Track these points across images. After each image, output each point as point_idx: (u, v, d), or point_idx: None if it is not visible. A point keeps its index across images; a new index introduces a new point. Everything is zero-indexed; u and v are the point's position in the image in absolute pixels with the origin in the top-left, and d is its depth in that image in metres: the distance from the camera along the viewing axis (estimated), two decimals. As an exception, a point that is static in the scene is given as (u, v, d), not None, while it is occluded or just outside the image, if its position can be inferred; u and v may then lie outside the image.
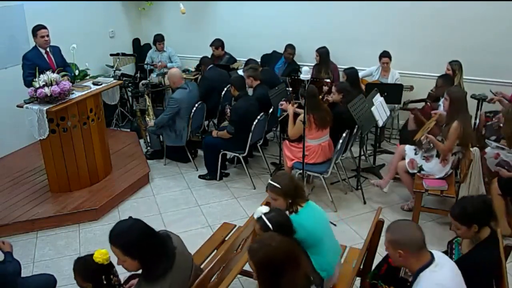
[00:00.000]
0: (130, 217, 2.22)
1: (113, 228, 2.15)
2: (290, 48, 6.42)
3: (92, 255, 2.23)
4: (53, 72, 4.47)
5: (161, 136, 5.65)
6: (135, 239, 2.06)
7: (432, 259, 2.18)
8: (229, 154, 5.29)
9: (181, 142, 5.44)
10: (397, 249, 2.17)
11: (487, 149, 4.21)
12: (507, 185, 4.00)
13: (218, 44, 6.69)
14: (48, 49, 5.01)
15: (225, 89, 5.83)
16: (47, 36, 4.89)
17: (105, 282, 2.20)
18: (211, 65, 6.14)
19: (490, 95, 5.02)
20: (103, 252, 2.20)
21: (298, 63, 6.43)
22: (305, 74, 4.10)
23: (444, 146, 4.13)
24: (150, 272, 2.08)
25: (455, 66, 4.99)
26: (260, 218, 2.45)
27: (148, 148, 6.05)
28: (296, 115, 4.60)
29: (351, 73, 5.33)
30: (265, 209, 2.50)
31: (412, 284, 2.19)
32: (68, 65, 5.27)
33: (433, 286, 2.10)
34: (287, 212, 2.70)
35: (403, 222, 2.31)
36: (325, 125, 4.52)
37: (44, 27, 4.87)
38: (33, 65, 4.65)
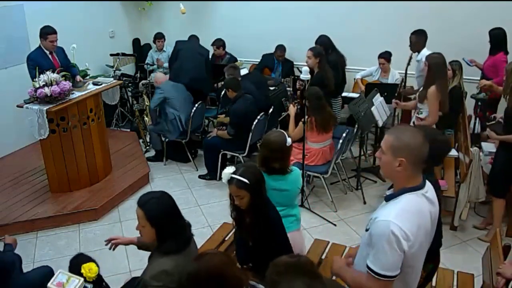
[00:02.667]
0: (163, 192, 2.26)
1: (145, 194, 2.23)
2: (280, 49, 6.45)
3: (88, 259, 2.21)
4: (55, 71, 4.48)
5: (161, 136, 5.65)
6: (161, 208, 2.13)
7: (423, 184, 1.92)
8: (229, 154, 5.29)
9: (181, 129, 5.45)
10: (400, 156, 1.83)
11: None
12: (490, 183, 4.04)
13: (219, 44, 6.69)
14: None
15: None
16: (56, 41, 4.88)
17: None
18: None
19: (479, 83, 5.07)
20: (91, 268, 2.19)
21: (300, 63, 6.44)
22: (305, 74, 4.11)
23: (430, 118, 4.13)
24: (163, 245, 2.15)
25: (455, 66, 4.99)
26: (231, 179, 2.39)
27: (148, 148, 6.06)
28: (298, 116, 4.59)
29: (322, 41, 5.34)
30: (231, 169, 2.44)
31: (389, 198, 1.92)
32: (71, 66, 5.27)
33: (413, 209, 1.85)
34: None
35: (410, 128, 1.97)
36: (327, 129, 4.50)
37: (55, 32, 4.85)
38: (36, 64, 4.64)
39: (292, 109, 4.67)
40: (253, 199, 2.40)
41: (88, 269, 2.20)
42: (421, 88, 4.30)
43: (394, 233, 1.78)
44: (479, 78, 5.27)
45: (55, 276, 2.41)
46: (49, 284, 2.39)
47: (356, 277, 1.99)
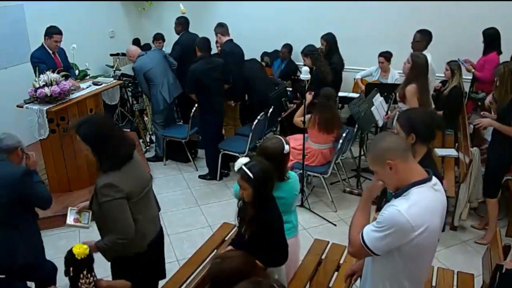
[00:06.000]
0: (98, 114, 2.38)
1: (79, 120, 2.45)
2: (286, 47, 6.44)
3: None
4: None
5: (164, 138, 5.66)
6: (94, 130, 2.30)
7: (430, 177, 1.92)
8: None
9: (166, 102, 5.56)
10: (384, 161, 1.87)
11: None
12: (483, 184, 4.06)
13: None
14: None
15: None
16: (60, 41, 4.90)
17: (71, 274, 2.21)
18: (186, 30, 6.11)
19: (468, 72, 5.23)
20: (81, 247, 2.23)
21: (300, 63, 6.44)
22: (305, 74, 4.12)
23: None
24: (102, 164, 2.34)
25: (454, 66, 5.01)
26: (240, 169, 2.40)
27: (148, 148, 6.06)
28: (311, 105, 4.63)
29: (326, 38, 5.42)
30: (245, 160, 2.45)
31: (398, 195, 1.90)
32: (71, 67, 5.28)
33: (424, 203, 1.84)
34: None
35: (377, 136, 2.05)
36: (329, 130, 4.50)
37: (61, 33, 4.87)
38: (41, 63, 4.65)
39: (308, 97, 4.65)
40: (255, 194, 2.40)
41: (79, 247, 2.24)
42: (400, 87, 4.36)
43: (399, 224, 1.80)
44: (470, 79, 5.33)
45: (68, 214, 2.71)
46: (67, 222, 2.66)
47: (355, 232, 2.02)
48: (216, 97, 5.07)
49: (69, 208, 2.71)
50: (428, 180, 1.91)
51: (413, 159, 1.95)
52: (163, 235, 2.79)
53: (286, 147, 2.76)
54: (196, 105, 5.36)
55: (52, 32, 4.82)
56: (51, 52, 4.91)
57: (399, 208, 1.82)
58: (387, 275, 2.00)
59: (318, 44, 5.70)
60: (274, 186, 2.64)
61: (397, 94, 4.37)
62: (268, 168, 2.45)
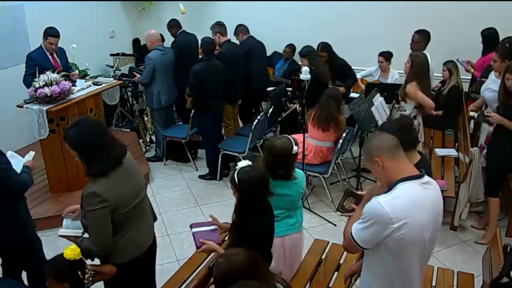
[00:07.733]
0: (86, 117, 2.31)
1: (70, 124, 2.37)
2: (289, 46, 6.44)
3: (61, 254, 2.22)
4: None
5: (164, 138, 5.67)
6: (80, 136, 2.26)
7: (422, 174, 1.95)
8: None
9: (161, 104, 5.53)
10: (373, 157, 1.94)
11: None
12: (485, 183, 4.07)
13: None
14: None
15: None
16: (56, 44, 4.87)
17: (81, 277, 2.18)
18: (182, 30, 6.04)
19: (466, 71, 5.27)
20: (72, 248, 2.23)
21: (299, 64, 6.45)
22: (305, 74, 4.12)
23: (425, 107, 4.34)
24: (89, 169, 2.28)
25: (450, 66, 5.02)
26: (234, 171, 2.39)
27: (147, 148, 6.06)
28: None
29: (327, 47, 5.46)
30: (245, 163, 2.40)
31: (386, 192, 1.93)
32: (71, 67, 5.27)
33: (407, 196, 1.86)
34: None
35: (370, 135, 2.13)
36: (323, 128, 4.51)
37: (58, 36, 4.84)
38: (36, 64, 4.64)
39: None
40: (240, 202, 2.35)
41: (70, 251, 2.23)
42: (401, 88, 4.44)
43: (378, 215, 1.85)
44: (469, 79, 5.33)
45: (64, 225, 2.56)
46: (59, 233, 2.53)
47: (349, 227, 2.12)
48: (217, 98, 5.09)
49: (64, 221, 2.60)
50: (417, 177, 1.93)
51: (404, 157, 1.97)
52: (156, 248, 2.73)
53: (295, 148, 2.75)
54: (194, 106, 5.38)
55: (48, 33, 4.79)
56: (48, 53, 4.90)
57: (380, 200, 1.87)
58: (378, 273, 2.02)
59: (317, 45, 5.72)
60: (280, 184, 2.67)
61: (399, 94, 4.39)
62: (260, 179, 2.35)
